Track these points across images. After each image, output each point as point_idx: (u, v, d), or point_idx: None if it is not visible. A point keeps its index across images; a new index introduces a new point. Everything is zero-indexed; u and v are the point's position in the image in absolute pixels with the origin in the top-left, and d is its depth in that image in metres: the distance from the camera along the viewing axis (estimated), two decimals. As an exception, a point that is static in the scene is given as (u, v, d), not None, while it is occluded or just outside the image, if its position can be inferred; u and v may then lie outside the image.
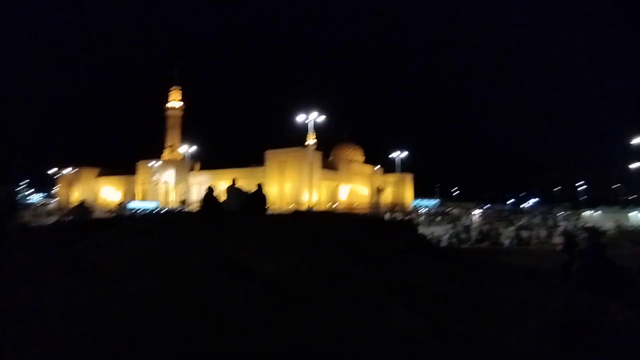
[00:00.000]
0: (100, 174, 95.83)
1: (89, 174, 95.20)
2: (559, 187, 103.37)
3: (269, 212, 8.36)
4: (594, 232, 10.93)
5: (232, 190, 7.84)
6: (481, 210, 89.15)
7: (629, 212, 51.42)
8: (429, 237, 25.69)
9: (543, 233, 35.25)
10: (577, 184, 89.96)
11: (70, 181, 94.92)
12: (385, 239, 5.75)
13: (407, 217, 44.28)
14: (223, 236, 4.43)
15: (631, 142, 54.35)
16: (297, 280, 3.51)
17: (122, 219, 7.97)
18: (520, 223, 49.30)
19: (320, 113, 35.75)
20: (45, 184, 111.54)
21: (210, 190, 8.07)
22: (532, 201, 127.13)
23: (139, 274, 3.39)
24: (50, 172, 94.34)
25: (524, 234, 32.90)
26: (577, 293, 5.12)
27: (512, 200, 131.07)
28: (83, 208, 12.60)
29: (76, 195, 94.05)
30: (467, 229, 37.35)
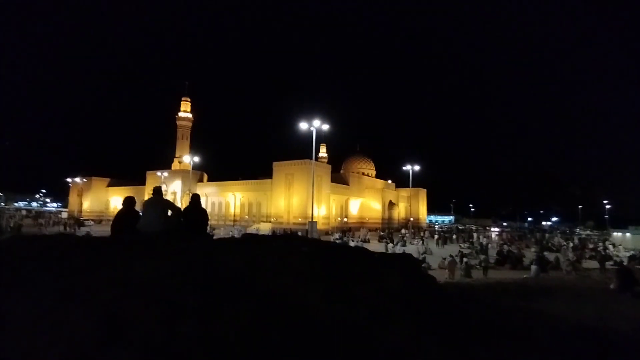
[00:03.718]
0: (110, 184, 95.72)
1: (100, 183, 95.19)
2: (582, 206, 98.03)
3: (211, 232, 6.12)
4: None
5: (152, 203, 5.47)
6: (499, 228, 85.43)
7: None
8: (440, 265, 22.75)
9: (571, 255, 31.86)
10: (601, 202, 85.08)
11: (81, 191, 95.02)
12: (364, 289, 3.41)
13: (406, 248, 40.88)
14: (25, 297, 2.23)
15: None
16: None
17: None
18: (544, 243, 45.65)
19: (325, 122, 33.60)
20: (62, 194, 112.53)
21: (128, 202, 5.76)
22: (552, 219, 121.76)
23: None
24: (67, 181, 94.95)
25: (550, 256, 29.63)
26: None
27: (531, 218, 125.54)
28: None
29: (86, 205, 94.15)
30: (484, 249, 34.23)
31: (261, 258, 3.66)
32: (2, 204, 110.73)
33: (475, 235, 55.47)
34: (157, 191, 5.81)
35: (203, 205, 6.12)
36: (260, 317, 2.58)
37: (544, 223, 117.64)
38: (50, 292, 2.57)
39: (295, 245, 4.65)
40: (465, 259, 23.89)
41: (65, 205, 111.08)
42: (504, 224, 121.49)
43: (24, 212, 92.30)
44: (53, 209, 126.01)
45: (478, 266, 23.54)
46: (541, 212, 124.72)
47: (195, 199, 5.90)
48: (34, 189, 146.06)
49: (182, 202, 67.27)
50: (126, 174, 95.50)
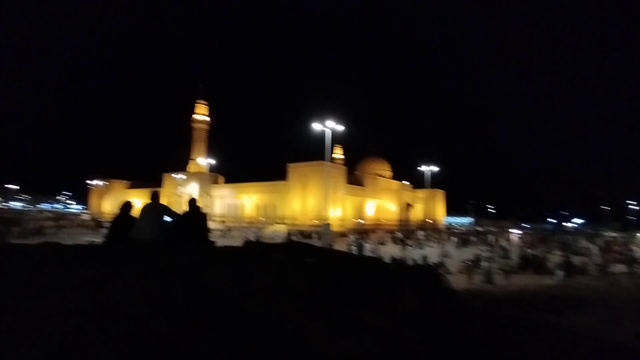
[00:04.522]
0: (130, 187, 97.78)
1: (119, 186, 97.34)
2: (606, 207, 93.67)
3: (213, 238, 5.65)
4: None
5: (148, 209, 5.16)
6: (520, 230, 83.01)
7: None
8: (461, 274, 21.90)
9: (598, 259, 30.37)
10: (626, 203, 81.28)
11: (102, 193, 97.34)
12: (377, 314, 2.95)
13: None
14: None
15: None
16: None
17: None
18: (569, 247, 43.82)
19: (340, 124, 33.12)
20: (84, 196, 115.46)
21: (124, 207, 5.45)
22: (576, 221, 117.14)
23: None
24: (89, 184, 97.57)
25: (576, 259, 28.29)
26: None
27: (552, 219, 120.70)
28: None
29: (107, 207, 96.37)
30: (505, 252, 32.99)
31: (256, 276, 3.24)
32: (31, 206, 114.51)
33: (492, 237, 53.76)
34: (154, 197, 5.49)
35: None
36: (245, 354, 2.15)
37: (567, 225, 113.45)
38: (6, 318, 2.22)
39: (298, 257, 4.21)
40: (484, 263, 23.00)
41: (87, 207, 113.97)
42: (526, 225, 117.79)
43: (49, 214, 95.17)
44: (76, 211, 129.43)
45: (500, 270, 22.59)
46: (562, 213, 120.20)
47: (193, 203, 5.55)
48: (57, 191, 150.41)
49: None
50: (145, 176, 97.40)
